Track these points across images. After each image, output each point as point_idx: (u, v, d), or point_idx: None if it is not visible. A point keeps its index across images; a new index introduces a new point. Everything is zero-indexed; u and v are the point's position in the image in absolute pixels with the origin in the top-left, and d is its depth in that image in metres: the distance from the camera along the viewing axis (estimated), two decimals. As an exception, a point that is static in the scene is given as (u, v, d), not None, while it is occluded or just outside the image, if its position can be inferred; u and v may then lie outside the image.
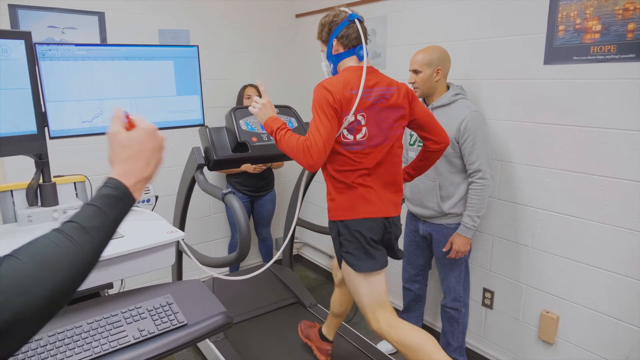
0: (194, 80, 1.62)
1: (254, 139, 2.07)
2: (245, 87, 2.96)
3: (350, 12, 1.65)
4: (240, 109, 2.13)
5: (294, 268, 3.03)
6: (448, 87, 2.09)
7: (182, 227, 2.25)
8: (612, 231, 1.80)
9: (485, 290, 2.32)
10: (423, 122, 1.75)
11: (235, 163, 2.12)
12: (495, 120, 2.14)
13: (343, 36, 1.63)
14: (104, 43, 2.51)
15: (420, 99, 2.14)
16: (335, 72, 1.73)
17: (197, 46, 1.62)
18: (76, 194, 1.69)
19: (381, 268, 1.67)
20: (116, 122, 0.78)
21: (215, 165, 2.02)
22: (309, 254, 3.74)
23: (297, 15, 3.31)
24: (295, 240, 3.34)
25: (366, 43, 1.67)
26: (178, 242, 2.29)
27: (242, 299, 2.66)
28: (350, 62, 1.66)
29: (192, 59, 1.62)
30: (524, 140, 2.05)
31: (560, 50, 1.87)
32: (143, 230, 1.40)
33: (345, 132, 1.60)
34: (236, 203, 1.72)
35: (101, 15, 2.52)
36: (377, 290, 1.67)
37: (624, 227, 1.76)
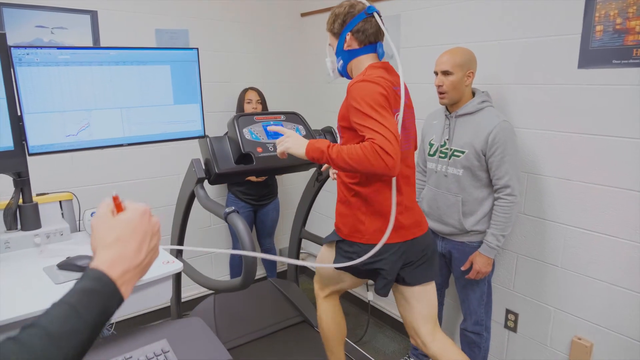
0: (193, 87, 1.45)
1: (259, 150, 1.89)
2: (245, 90, 2.78)
3: (368, 4, 1.47)
4: (243, 116, 1.95)
5: (299, 280, 2.87)
6: (473, 94, 1.91)
7: (180, 244, 2.07)
8: (656, 253, 1.63)
9: (508, 311, 2.15)
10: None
11: (239, 176, 1.94)
12: (522, 129, 1.96)
13: (359, 30, 1.45)
14: (94, 45, 2.33)
15: (444, 108, 1.96)
16: (344, 70, 1.56)
17: (197, 49, 1.45)
18: (62, 214, 1.51)
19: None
20: (103, 206, 0.62)
21: (217, 179, 1.84)
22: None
23: (303, 14, 3.13)
24: (300, 251, 3.17)
25: (384, 39, 1.51)
26: (177, 258, 2.14)
27: (245, 318, 2.48)
28: (368, 59, 1.49)
29: (191, 63, 1.44)
30: (555, 151, 1.87)
31: (597, 53, 1.70)
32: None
33: None
34: (241, 224, 1.55)
35: (93, 14, 2.34)
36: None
37: (671, 250, 1.59)
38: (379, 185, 1.50)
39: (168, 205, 2.43)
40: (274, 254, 3.07)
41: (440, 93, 1.86)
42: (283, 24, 3.10)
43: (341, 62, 1.55)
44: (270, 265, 3.10)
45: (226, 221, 1.60)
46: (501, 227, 1.82)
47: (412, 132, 1.59)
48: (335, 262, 1.60)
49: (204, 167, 1.86)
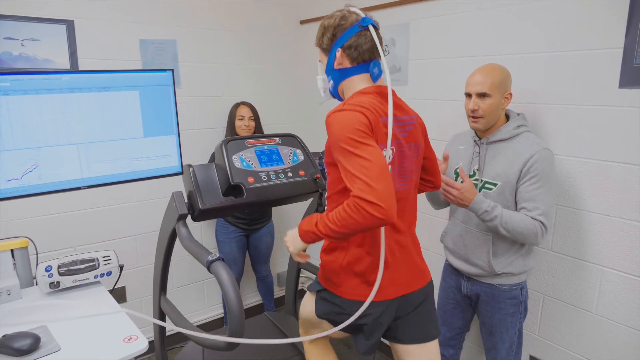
0: (167, 116, 1.22)
1: (251, 179, 1.66)
2: (237, 105, 2.54)
3: (363, 15, 1.23)
4: (234, 140, 1.72)
5: (297, 305, 2.63)
6: (507, 117, 1.65)
7: (163, 288, 1.84)
8: None
9: (532, 358, 1.90)
10: (432, 162, 1.47)
11: (228, 211, 1.70)
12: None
13: (351, 46, 1.21)
14: (71, 58, 2.10)
15: (472, 132, 1.70)
16: (335, 91, 1.33)
17: (172, 70, 1.22)
18: (14, 264, 1.28)
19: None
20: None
21: (201, 215, 1.61)
22: (315, 289, 3.33)
23: (302, 22, 2.90)
24: (300, 275, 2.94)
25: (383, 56, 1.26)
26: (161, 299, 1.91)
27: (238, 357, 2.24)
28: (361, 82, 1.25)
29: (164, 88, 1.21)
30: (590, 182, 1.63)
31: (642, 71, 1.45)
32: (90, 335, 0.99)
33: None
34: (225, 276, 1.31)
35: (70, 24, 2.11)
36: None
37: None
38: (360, 237, 1.28)
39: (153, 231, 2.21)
40: (271, 281, 2.83)
41: (474, 117, 1.59)
42: (281, 32, 2.86)
43: (331, 82, 1.31)
44: (266, 293, 2.86)
45: (209, 270, 1.37)
46: (507, 220, 1.50)
47: (412, 169, 1.32)
48: (316, 309, 1.42)
49: (186, 201, 1.63)
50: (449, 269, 1.84)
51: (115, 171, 1.13)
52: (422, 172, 1.44)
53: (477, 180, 1.65)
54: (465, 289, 1.76)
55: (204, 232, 2.77)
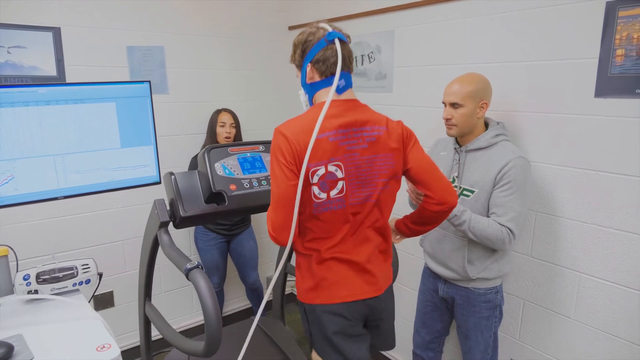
0: (145, 127, 1.24)
1: (233, 187, 1.67)
2: (218, 112, 2.54)
3: (330, 30, 1.26)
4: (217, 148, 1.73)
5: (285, 310, 2.64)
6: (486, 125, 1.68)
7: (147, 294, 1.85)
8: (687, 314, 1.40)
9: (514, 363, 1.92)
10: (419, 173, 1.36)
11: (210, 218, 1.72)
12: (530, 162, 1.74)
13: (319, 60, 1.26)
14: (57, 65, 2.11)
15: (454, 140, 1.73)
16: (311, 104, 1.38)
17: (149, 82, 1.23)
18: (-6, 272, 1.30)
19: None
20: None
21: (183, 222, 1.62)
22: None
23: (290, 28, 2.92)
24: (288, 279, 2.95)
25: (350, 70, 1.31)
26: (146, 305, 1.92)
27: (224, 362, 2.25)
28: (326, 94, 1.28)
29: (141, 99, 1.23)
30: (567, 189, 1.65)
31: (617, 81, 1.48)
32: (64, 344, 1.01)
33: (316, 190, 1.25)
34: (203, 284, 1.33)
35: (56, 31, 2.13)
36: None
37: None
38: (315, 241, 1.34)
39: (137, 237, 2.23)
40: (261, 291, 2.83)
41: (448, 125, 1.63)
42: (269, 38, 2.88)
43: (307, 95, 1.36)
44: (258, 302, 2.86)
45: (187, 278, 1.38)
46: (475, 226, 1.54)
47: (378, 181, 1.32)
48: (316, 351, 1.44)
49: (168, 209, 1.64)
50: (428, 272, 1.87)
51: (93, 181, 1.15)
52: (416, 185, 1.41)
53: (456, 186, 1.67)
54: (442, 292, 1.79)
55: (188, 239, 2.78)
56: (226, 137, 2.47)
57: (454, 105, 1.59)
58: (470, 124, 1.61)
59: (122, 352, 2.58)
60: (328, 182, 1.25)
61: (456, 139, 1.71)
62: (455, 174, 1.68)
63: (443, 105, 1.65)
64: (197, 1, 2.54)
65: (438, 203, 1.35)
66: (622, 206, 1.51)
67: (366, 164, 1.29)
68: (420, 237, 1.85)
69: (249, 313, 3.11)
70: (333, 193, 1.26)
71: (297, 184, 1.22)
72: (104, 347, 0.99)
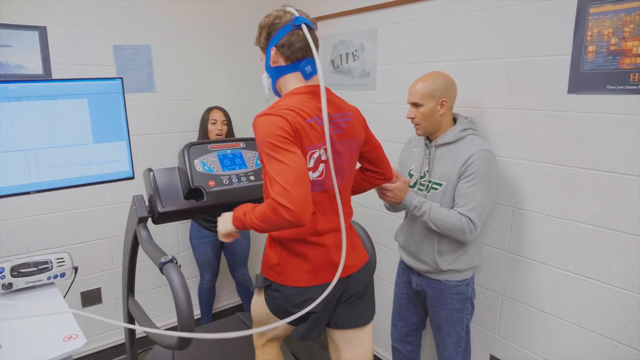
0: (117, 123, 1.26)
1: (211, 183, 1.70)
2: (210, 110, 2.56)
3: (297, 15, 1.27)
4: (197, 144, 1.75)
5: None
6: (455, 120, 1.71)
7: (130, 290, 1.87)
8: (657, 308, 1.42)
9: (492, 357, 1.94)
10: (374, 155, 1.50)
11: (189, 214, 1.74)
12: (506, 158, 1.76)
13: (284, 45, 1.26)
14: (43, 64, 2.13)
15: (423, 137, 1.77)
16: (274, 88, 1.39)
17: (121, 78, 1.25)
18: (-29, 266, 1.32)
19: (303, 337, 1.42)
20: None
21: (161, 218, 1.64)
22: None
23: (279, 26, 2.94)
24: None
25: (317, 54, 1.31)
26: (129, 300, 1.94)
27: (209, 357, 2.28)
28: (294, 80, 1.30)
29: (114, 96, 1.25)
30: (542, 185, 1.66)
31: (589, 77, 1.49)
32: (33, 335, 1.03)
33: (309, 172, 1.28)
34: (176, 277, 1.35)
35: (42, 30, 2.15)
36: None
37: (674, 305, 1.38)
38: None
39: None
40: (250, 285, 2.85)
41: (414, 124, 1.69)
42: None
43: (270, 79, 1.37)
44: (247, 297, 2.88)
45: (161, 272, 1.40)
46: (435, 216, 1.59)
47: (346, 165, 1.38)
48: (267, 304, 1.46)
49: (147, 205, 1.67)
50: (402, 265, 1.91)
51: (66, 176, 1.17)
52: (368, 165, 1.51)
53: (427, 180, 1.71)
54: (415, 284, 1.82)
55: (183, 230, 2.81)
56: (217, 135, 2.49)
57: (415, 104, 1.64)
58: (433, 122, 1.65)
59: (109, 349, 2.63)
60: (316, 164, 1.27)
61: (428, 137, 1.74)
62: (426, 169, 1.71)
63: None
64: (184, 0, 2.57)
65: (383, 178, 1.54)
66: (594, 201, 1.53)
67: (341, 148, 1.33)
68: (395, 231, 1.88)
69: (240, 310, 3.14)
70: (314, 176, 1.28)
71: (304, 157, 1.20)
72: (70, 337, 1.01)
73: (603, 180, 1.50)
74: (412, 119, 1.66)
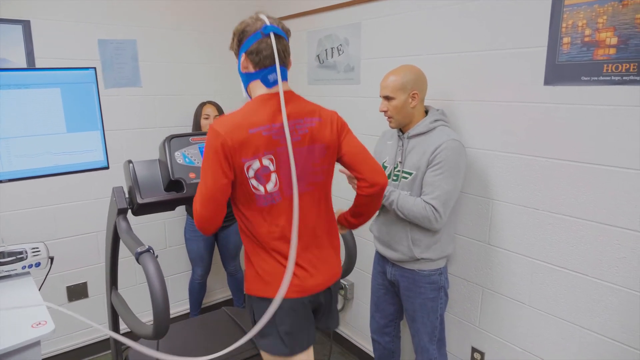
0: (91, 112, 1.26)
1: (192, 175, 1.71)
2: (203, 104, 2.58)
3: (267, 23, 1.28)
4: (178, 137, 1.76)
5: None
6: (426, 112, 1.74)
7: (113, 282, 1.87)
8: (628, 296, 1.43)
9: (474, 350, 1.95)
10: (351, 158, 1.42)
11: (169, 206, 1.74)
12: (484, 151, 1.77)
13: (252, 52, 1.28)
14: (27, 58, 2.13)
15: (396, 130, 1.80)
16: (246, 92, 1.41)
17: (94, 68, 1.26)
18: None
19: (293, 353, 1.39)
20: None
21: (140, 209, 1.65)
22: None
23: (266, 21, 2.94)
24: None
25: (285, 64, 1.32)
26: (112, 293, 1.95)
27: (193, 351, 2.28)
28: (259, 87, 1.32)
29: (87, 85, 1.25)
30: (520, 177, 1.67)
31: (564, 68, 1.50)
32: (4, 322, 1.04)
33: (254, 182, 1.28)
34: (151, 267, 1.36)
35: (26, 24, 2.14)
36: None
37: (646, 294, 1.39)
38: (260, 234, 1.34)
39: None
40: (240, 277, 2.86)
41: (387, 117, 1.72)
42: (245, 31, 2.90)
43: (242, 84, 1.39)
44: (236, 289, 2.89)
45: (138, 262, 1.41)
46: (402, 205, 1.64)
47: (316, 170, 1.37)
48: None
49: (127, 196, 1.68)
50: (377, 255, 1.93)
51: (39, 165, 1.17)
52: (349, 170, 1.46)
53: (399, 171, 1.74)
54: (390, 274, 1.85)
55: (170, 225, 2.81)
56: None
57: (387, 98, 1.67)
58: (406, 114, 1.69)
59: (95, 344, 2.62)
60: (263, 175, 1.27)
61: (400, 129, 1.78)
62: (400, 160, 1.75)
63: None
64: (171, -5, 2.57)
65: (370, 185, 1.39)
66: (570, 193, 1.54)
67: (301, 155, 1.32)
68: (369, 222, 1.89)
69: (229, 304, 3.14)
70: (269, 187, 1.29)
71: (227, 182, 1.25)
72: (39, 323, 1.02)
73: (579, 172, 1.51)
74: (385, 112, 1.70)
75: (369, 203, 1.46)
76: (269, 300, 1.31)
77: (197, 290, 2.77)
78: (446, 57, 1.86)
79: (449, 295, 1.83)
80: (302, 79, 2.69)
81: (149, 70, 2.54)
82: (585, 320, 1.55)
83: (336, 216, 1.57)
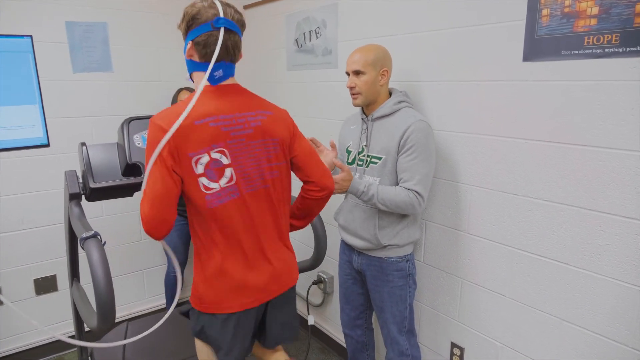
0: (28, 84, 1.17)
1: (151, 159, 1.61)
2: (180, 90, 2.51)
3: (220, 14, 1.15)
4: (138, 119, 1.67)
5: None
6: (390, 94, 1.68)
7: (74, 274, 1.78)
8: (611, 286, 1.33)
9: (453, 345, 1.85)
10: (301, 161, 1.36)
11: (124, 191, 1.65)
12: (461, 134, 1.67)
13: (199, 43, 1.17)
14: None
15: (358, 110, 1.73)
16: (190, 77, 1.29)
17: (31, 36, 1.16)
18: None
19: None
20: None
21: (94, 194, 1.56)
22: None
23: (246, 7, 2.85)
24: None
25: (232, 60, 1.23)
26: (73, 285, 1.85)
27: (160, 348, 2.17)
28: (202, 79, 1.20)
29: (22, 55, 1.16)
30: (497, 160, 1.58)
31: (544, 42, 1.40)
32: None
33: (204, 180, 1.16)
34: (95, 254, 1.26)
35: (-12, 4, 2.05)
36: None
37: (628, 282, 1.29)
38: (204, 237, 1.25)
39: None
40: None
41: (353, 94, 1.64)
42: (224, 16, 2.80)
43: (187, 69, 1.27)
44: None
45: (82, 248, 1.31)
46: (383, 197, 1.55)
47: (272, 167, 1.28)
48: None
49: (80, 181, 1.58)
50: (343, 245, 1.85)
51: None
52: (299, 174, 1.39)
53: (365, 155, 1.67)
54: (356, 263, 1.77)
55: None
56: None
57: (356, 73, 1.60)
58: (374, 92, 1.62)
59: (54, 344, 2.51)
60: (215, 170, 1.17)
61: (363, 110, 1.71)
62: (364, 143, 1.68)
63: (347, 75, 1.66)
64: (144, -23, 2.48)
65: (319, 189, 1.36)
66: (550, 176, 1.44)
67: (255, 149, 1.23)
68: (335, 211, 1.82)
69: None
70: (223, 182, 1.19)
71: (177, 179, 1.13)
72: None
73: (559, 153, 1.41)
74: (353, 88, 1.62)
75: (314, 207, 1.42)
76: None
77: (173, 283, 2.68)
78: (420, 36, 1.76)
79: (417, 284, 1.76)
80: (281, 64, 2.59)
81: (121, 54, 2.45)
82: (567, 312, 1.45)
83: None
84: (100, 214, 2.51)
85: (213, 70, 1.18)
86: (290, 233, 1.44)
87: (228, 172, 1.19)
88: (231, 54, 1.21)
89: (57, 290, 2.46)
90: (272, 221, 1.31)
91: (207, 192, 1.17)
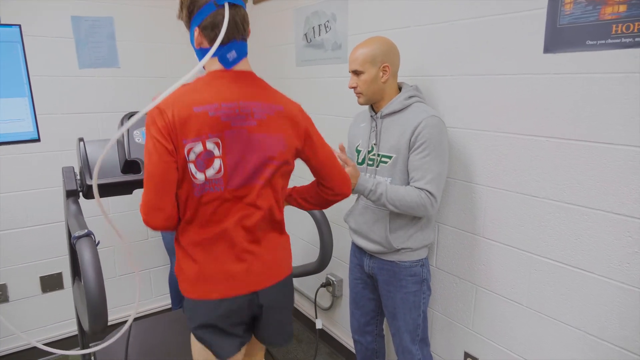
0: (16, 76, 1.12)
1: (151, 156, 1.55)
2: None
3: None
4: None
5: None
6: (400, 89, 1.57)
7: (75, 272, 1.74)
8: (637, 295, 1.22)
9: (467, 355, 1.75)
10: (322, 166, 1.31)
11: (123, 188, 1.60)
12: (478, 131, 1.57)
13: (207, 27, 1.10)
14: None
15: (367, 107, 1.64)
16: (203, 69, 1.22)
17: (19, 25, 1.12)
18: None
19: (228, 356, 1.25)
20: None
21: (91, 192, 1.50)
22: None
23: (255, 2, 2.78)
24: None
25: (244, 38, 1.16)
26: (74, 284, 1.82)
27: (162, 350, 2.12)
28: (216, 64, 1.14)
29: (10, 45, 1.11)
30: (516, 160, 1.47)
31: (566, 32, 1.29)
32: None
33: (192, 168, 1.10)
34: (87, 254, 1.21)
35: (-7, -1, 2.03)
36: None
37: (662, 295, 1.18)
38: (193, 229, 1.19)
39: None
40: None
41: (356, 94, 1.56)
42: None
43: (198, 60, 1.19)
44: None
45: (74, 247, 1.26)
46: (392, 196, 1.45)
47: (263, 163, 1.18)
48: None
49: (78, 178, 1.54)
50: (354, 247, 1.77)
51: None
52: (316, 175, 1.34)
53: (375, 154, 1.58)
54: (367, 267, 1.68)
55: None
56: None
57: (356, 72, 1.52)
58: (376, 90, 1.52)
59: (73, 337, 2.49)
60: (205, 160, 1.10)
61: (372, 107, 1.61)
62: (374, 142, 1.59)
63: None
64: (152, -29, 2.43)
65: (335, 194, 1.35)
66: (574, 177, 1.33)
67: (255, 143, 1.15)
68: (345, 213, 1.74)
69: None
70: (209, 173, 1.11)
71: (172, 161, 1.08)
72: None
73: (585, 153, 1.30)
74: (354, 88, 1.54)
75: (326, 204, 1.41)
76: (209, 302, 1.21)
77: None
78: (435, 28, 1.66)
79: (431, 290, 1.66)
80: (290, 60, 2.52)
81: (127, 50, 2.41)
82: (591, 325, 1.34)
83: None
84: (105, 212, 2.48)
85: (225, 52, 1.11)
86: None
87: (217, 163, 1.12)
88: (241, 29, 1.13)
89: (63, 288, 2.44)
90: (261, 215, 1.21)
91: (194, 180, 1.12)
